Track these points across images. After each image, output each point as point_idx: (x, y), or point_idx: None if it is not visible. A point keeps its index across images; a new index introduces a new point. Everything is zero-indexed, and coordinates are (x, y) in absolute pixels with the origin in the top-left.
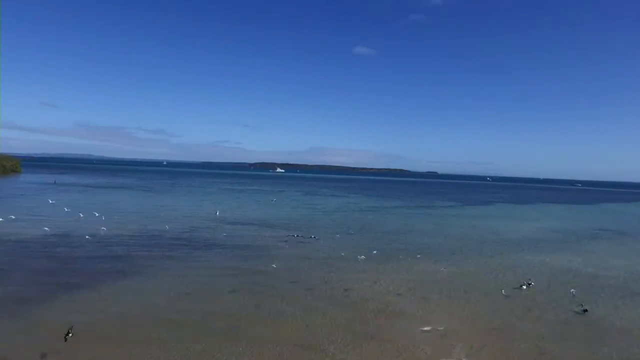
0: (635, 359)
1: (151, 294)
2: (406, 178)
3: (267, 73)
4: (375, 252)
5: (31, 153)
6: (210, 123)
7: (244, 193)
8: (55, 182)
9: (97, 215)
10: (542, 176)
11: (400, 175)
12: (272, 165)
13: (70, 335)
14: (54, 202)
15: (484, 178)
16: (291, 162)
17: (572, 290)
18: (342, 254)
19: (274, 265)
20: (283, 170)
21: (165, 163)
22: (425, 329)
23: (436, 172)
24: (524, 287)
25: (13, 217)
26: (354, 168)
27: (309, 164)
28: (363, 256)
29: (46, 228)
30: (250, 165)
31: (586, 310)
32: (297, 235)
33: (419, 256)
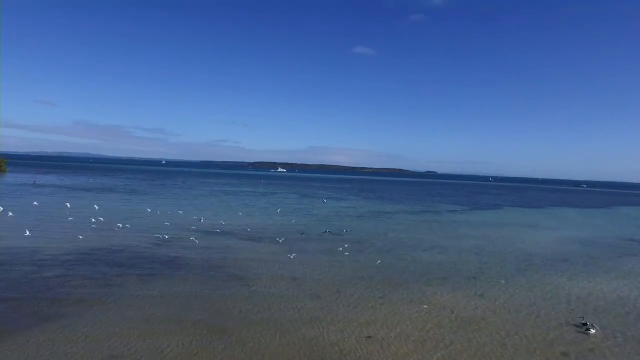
0: None
1: None
2: (406, 178)
3: (267, 73)
4: (374, 279)
5: (29, 152)
6: (210, 122)
7: (234, 196)
8: (35, 183)
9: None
10: (541, 176)
11: (399, 175)
12: (272, 165)
13: None
14: (1, 208)
15: (485, 178)
16: (290, 162)
17: None
18: (332, 288)
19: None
20: (285, 170)
21: (164, 162)
22: None
23: (435, 172)
24: (590, 330)
25: None
26: (353, 168)
27: (309, 163)
28: (356, 293)
29: None
30: (249, 164)
31: None
32: (278, 254)
33: (431, 282)
